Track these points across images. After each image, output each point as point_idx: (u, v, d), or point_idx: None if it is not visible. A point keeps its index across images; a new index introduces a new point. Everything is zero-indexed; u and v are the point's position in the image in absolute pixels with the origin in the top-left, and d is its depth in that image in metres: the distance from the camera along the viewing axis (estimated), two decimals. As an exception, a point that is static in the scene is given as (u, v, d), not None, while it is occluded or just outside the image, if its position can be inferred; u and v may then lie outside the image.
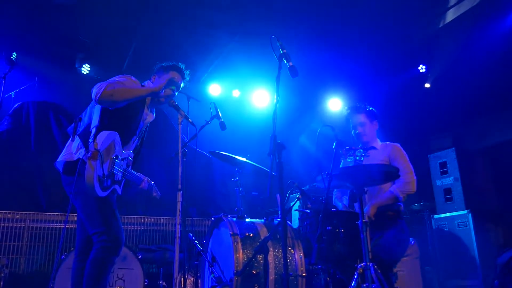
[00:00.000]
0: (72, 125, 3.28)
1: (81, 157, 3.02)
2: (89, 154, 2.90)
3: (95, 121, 3.11)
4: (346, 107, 4.30)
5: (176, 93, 3.55)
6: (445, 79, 7.36)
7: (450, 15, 6.51)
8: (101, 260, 2.98)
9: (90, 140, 3.00)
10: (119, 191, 3.31)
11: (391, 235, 3.65)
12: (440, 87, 7.50)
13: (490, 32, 6.35)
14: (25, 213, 5.62)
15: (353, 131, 4.16)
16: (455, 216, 5.77)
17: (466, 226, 5.60)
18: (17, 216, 5.57)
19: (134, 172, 3.48)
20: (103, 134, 3.01)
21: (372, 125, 4.16)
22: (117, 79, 3.18)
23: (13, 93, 6.32)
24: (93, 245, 3.04)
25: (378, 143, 4.15)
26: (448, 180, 6.02)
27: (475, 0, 6.15)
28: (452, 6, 6.41)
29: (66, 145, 3.22)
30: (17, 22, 6.06)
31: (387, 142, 4.16)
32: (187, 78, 3.63)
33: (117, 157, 3.15)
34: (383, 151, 4.05)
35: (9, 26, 6.12)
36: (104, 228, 3.02)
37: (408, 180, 3.81)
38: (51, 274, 5.36)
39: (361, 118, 4.12)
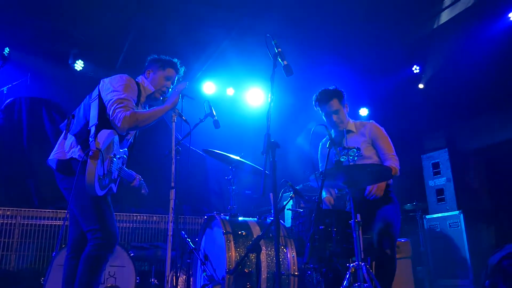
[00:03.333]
0: (65, 121, 3.25)
1: (74, 156, 3.00)
2: (90, 153, 2.85)
3: (93, 119, 3.05)
4: (314, 96, 4.08)
5: (170, 89, 3.55)
6: (439, 80, 7.39)
7: (445, 16, 6.54)
8: (95, 257, 2.95)
9: (90, 139, 2.95)
10: (114, 189, 3.30)
11: (390, 209, 3.68)
12: (434, 88, 7.53)
13: (484, 33, 6.38)
14: (16, 210, 5.58)
15: (326, 120, 4.01)
16: (447, 217, 5.81)
17: (458, 226, 5.64)
18: (8, 213, 5.53)
19: (127, 169, 3.47)
20: (104, 133, 2.97)
21: (345, 109, 4.03)
22: (123, 96, 3.09)
23: (5, 88, 6.27)
24: (87, 242, 3.02)
25: (351, 124, 4.06)
26: (440, 181, 6.06)
27: (470, 1, 6.18)
28: (446, 7, 6.43)
29: (58, 142, 3.18)
30: (9, 17, 6.00)
31: (361, 121, 4.08)
32: (181, 74, 3.63)
33: (115, 156, 3.14)
34: (361, 132, 3.98)
35: (1, 21, 6.06)
36: (99, 225, 2.99)
37: (394, 164, 3.79)
38: (41, 271, 5.35)
39: (334, 105, 3.95)
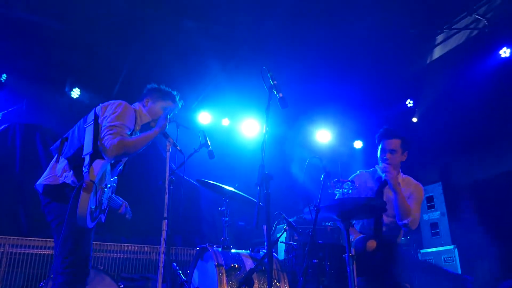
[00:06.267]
0: (57, 144, 3.15)
1: (67, 181, 2.92)
2: (84, 185, 2.76)
3: (88, 147, 2.97)
4: (381, 129, 4.06)
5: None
6: (432, 114, 7.48)
7: (437, 52, 6.68)
8: None
9: (85, 170, 2.86)
10: (103, 219, 3.23)
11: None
12: (427, 122, 7.61)
13: (476, 69, 6.51)
14: (4, 238, 5.48)
15: (379, 156, 3.96)
16: (442, 251, 5.76)
17: (453, 261, 5.59)
18: (-4, 241, 5.43)
19: (115, 197, 3.40)
20: (98, 163, 2.89)
21: (402, 156, 3.98)
22: (114, 123, 3.04)
23: (0, 114, 6.26)
24: (56, 273, 2.85)
25: (400, 176, 4.01)
26: (434, 215, 6.04)
27: (461, 39, 6.33)
28: (439, 43, 6.58)
29: (50, 166, 3.08)
30: (7, 45, 6.06)
31: (410, 178, 4.03)
32: (179, 107, 3.62)
33: (106, 186, 3.09)
34: (405, 189, 3.90)
35: (-1, 48, 6.12)
36: (72, 257, 2.86)
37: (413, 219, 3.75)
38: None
39: (393, 144, 3.92)
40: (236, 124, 7.89)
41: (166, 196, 3.16)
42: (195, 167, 4.90)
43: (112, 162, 3.16)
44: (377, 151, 4.06)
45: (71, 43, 6.13)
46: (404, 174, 4.08)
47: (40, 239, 5.66)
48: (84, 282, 2.89)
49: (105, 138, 2.97)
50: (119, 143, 2.95)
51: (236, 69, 6.74)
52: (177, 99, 3.55)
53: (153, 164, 6.64)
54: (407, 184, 3.98)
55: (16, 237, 5.55)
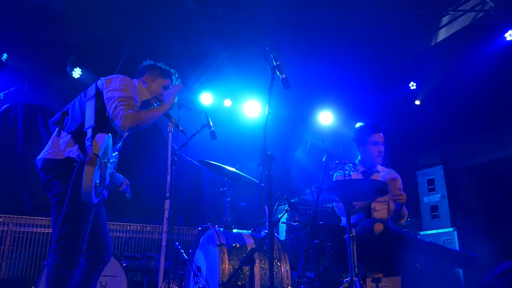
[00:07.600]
0: (56, 117, 3.10)
1: (72, 155, 2.87)
2: (87, 159, 2.70)
3: (89, 121, 2.92)
4: (363, 124, 4.12)
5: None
6: (435, 97, 7.44)
7: (442, 34, 6.61)
8: (58, 277, 2.76)
9: (87, 143, 2.81)
10: (106, 195, 3.22)
11: None
12: (430, 105, 7.57)
13: (481, 52, 6.44)
14: (8, 217, 5.52)
15: (370, 149, 4.03)
16: (441, 233, 5.80)
17: (452, 243, 5.63)
18: (0, 219, 5.47)
19: (117, 174, 3.39)
20: (101, 137, 2.83)
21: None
22: (125, 94, 3.00)
23: (1, 94, 6.25)
24: (50, 251, 2.81)
25: (379, 167, 4.13)
26: (435, 197, 6.06)
27: (467, 21, 6.25)
28: (444, 25, 6.51)
29: (51, 140, 3.01)
30: (8, 24, 6.02)
31: (389, 168, 4.13)
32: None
33: (108, 161, 3.05)
34: (383, 176, 4.03)
35: (0, 28, 6.07)
36: (66, 239, 2.79)
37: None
38: (32, 279, 5.29)
39: (382, 137, 4.04)
40: (238, 105, 7.88)
41: (169, 177, 3.18)
42: (197, 147, 4.91)
43: (117, 135, 3.14)
44: (359, 145, 4.13)
45: (72, 23, 6.07)
46: (397, 158, 4.18)
47: (44, 218, 5.71)
48: (75, 265, 2.83)
49: (118, 108, 2.92)
50: (134, 114, 2.94)
51: (238, 50, 6.69)
52: (174, 77, 3.54)
53: (156, 144, 6.65)
54: (385, 171, 4.10)
55: (19, 216, 5.60)
